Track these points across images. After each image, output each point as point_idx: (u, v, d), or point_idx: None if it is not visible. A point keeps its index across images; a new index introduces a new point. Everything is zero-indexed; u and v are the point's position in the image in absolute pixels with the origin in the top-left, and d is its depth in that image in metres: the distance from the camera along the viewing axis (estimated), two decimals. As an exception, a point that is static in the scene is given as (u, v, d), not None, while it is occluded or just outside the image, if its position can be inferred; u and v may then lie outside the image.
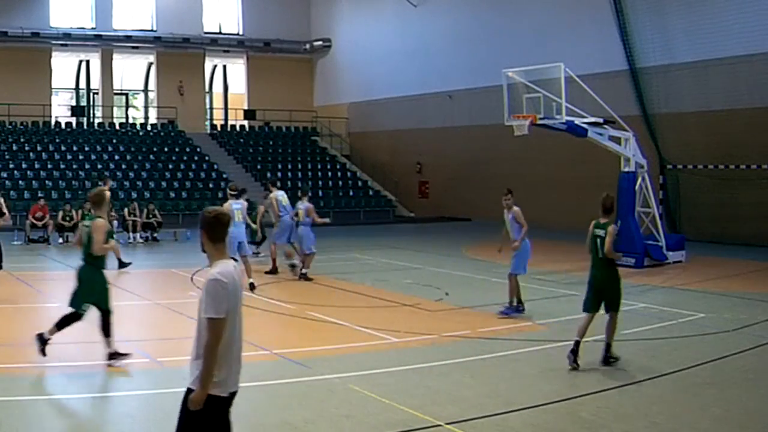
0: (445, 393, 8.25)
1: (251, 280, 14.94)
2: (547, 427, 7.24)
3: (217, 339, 4.64)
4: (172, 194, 32.34)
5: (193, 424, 4.76)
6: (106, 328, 9.24)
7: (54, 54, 37.29)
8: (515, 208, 12.51)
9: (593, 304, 9.54)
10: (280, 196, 17.46)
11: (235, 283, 4.79)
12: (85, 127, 37.34)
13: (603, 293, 9.52)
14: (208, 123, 41.52)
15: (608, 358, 9.44)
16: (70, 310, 9.21)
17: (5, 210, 16.17)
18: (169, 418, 7.55)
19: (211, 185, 33.85)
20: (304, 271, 16.47)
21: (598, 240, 9.50)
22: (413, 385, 8.57)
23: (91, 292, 9.24)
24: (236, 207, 15.31)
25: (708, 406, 7.97)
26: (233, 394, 4.88)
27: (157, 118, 39.53)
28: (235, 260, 15.04)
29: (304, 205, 16.62)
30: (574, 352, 9.24)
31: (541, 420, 7.40)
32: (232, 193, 15.92)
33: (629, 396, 8.21)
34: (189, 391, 4.77)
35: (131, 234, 24.68)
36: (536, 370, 9.22)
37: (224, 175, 34.93)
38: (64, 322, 9.22)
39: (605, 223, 9.56)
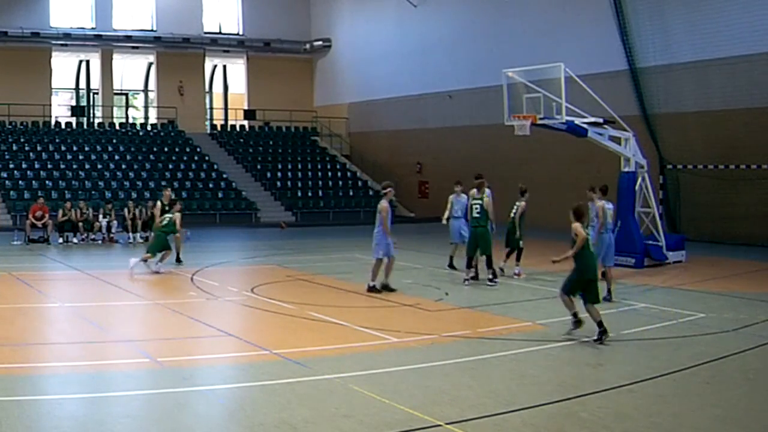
0: (445, 393, 8.24)
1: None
2: (547, 427, 7.24)
3: None
4: (172, 194, 32.26)
5: None
6: None
7: (54, 54, 37.30)
8: None
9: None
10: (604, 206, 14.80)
11: None
12: (85, 127, 37.36)
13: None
14: (208, 123, 41.52)
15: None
16: None
17: None
18: (169, 418, 7.59)
19: (211, 185, 33.86)
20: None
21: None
22: (413, 385, 8.57)
23: None
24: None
25: (708, 406, 7.96)
26: None
27: (157, 118, 39.53)
28: None
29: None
30: (577, 323, 10.83)
31: (541, 420, 7.39)
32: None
33: (629, 396, 8.20)
34: None
35: (131, 234, 24.68)
36: (536, 370, 9.22)
37: (224, 175, 34.95)
38: None
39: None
